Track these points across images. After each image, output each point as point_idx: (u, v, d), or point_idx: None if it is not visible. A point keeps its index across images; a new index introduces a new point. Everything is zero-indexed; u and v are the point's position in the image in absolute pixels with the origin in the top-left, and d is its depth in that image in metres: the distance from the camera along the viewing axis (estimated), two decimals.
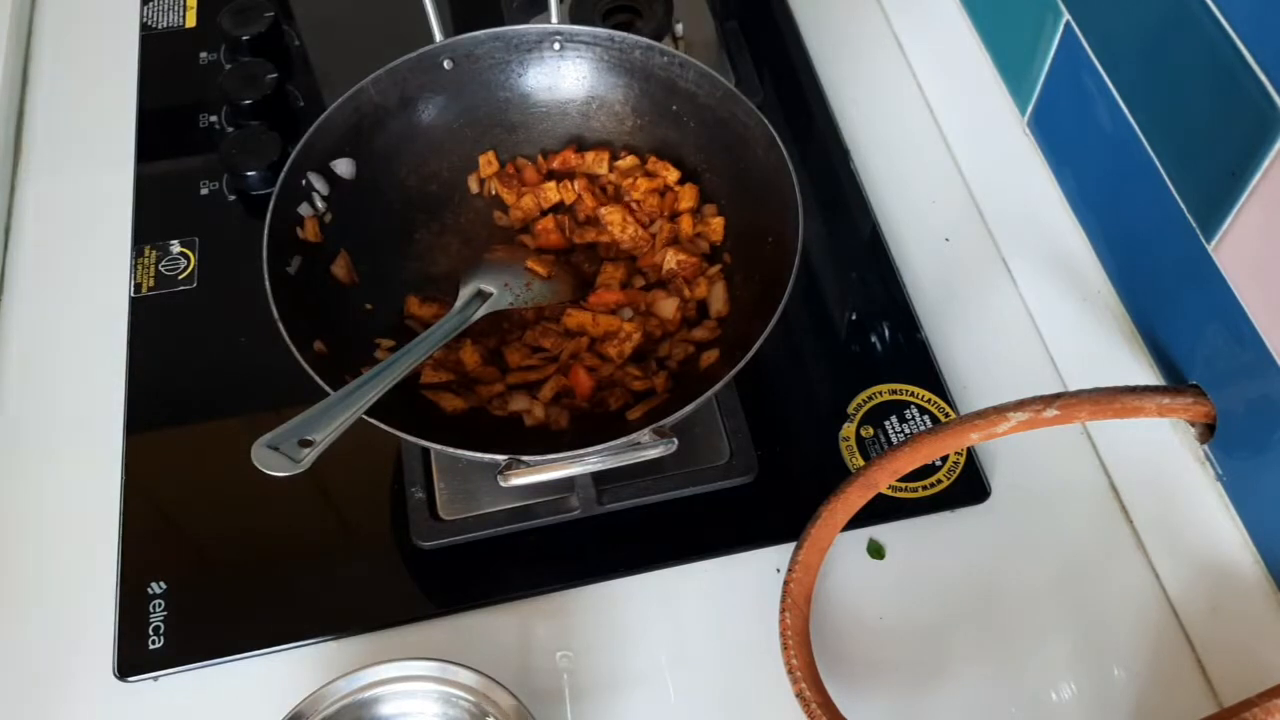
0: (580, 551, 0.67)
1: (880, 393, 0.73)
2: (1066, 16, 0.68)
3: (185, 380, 0.74)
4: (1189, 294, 0.61)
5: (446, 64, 0.71)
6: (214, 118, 0.87)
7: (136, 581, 0.65)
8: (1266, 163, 0.52)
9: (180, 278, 0.78)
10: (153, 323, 0.76)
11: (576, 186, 0.73)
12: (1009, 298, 0.78)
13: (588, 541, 0.68)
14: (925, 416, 0.72)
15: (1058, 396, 0.60)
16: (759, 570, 0.66)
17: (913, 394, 0.73)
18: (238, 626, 0.64)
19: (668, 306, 0.68)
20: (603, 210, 0.71)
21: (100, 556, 0.67)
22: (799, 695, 0.59)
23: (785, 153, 0.65)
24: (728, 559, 0.67)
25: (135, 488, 0.69)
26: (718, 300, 0.69)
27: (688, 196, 0.72)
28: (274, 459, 0.51)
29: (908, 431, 0.71)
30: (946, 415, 0.72)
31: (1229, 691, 0.62)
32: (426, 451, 0.69)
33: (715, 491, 0.69)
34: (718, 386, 0.58)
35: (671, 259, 0.69)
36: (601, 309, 0.68)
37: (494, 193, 0.74)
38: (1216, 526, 0.63)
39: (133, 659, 0.63)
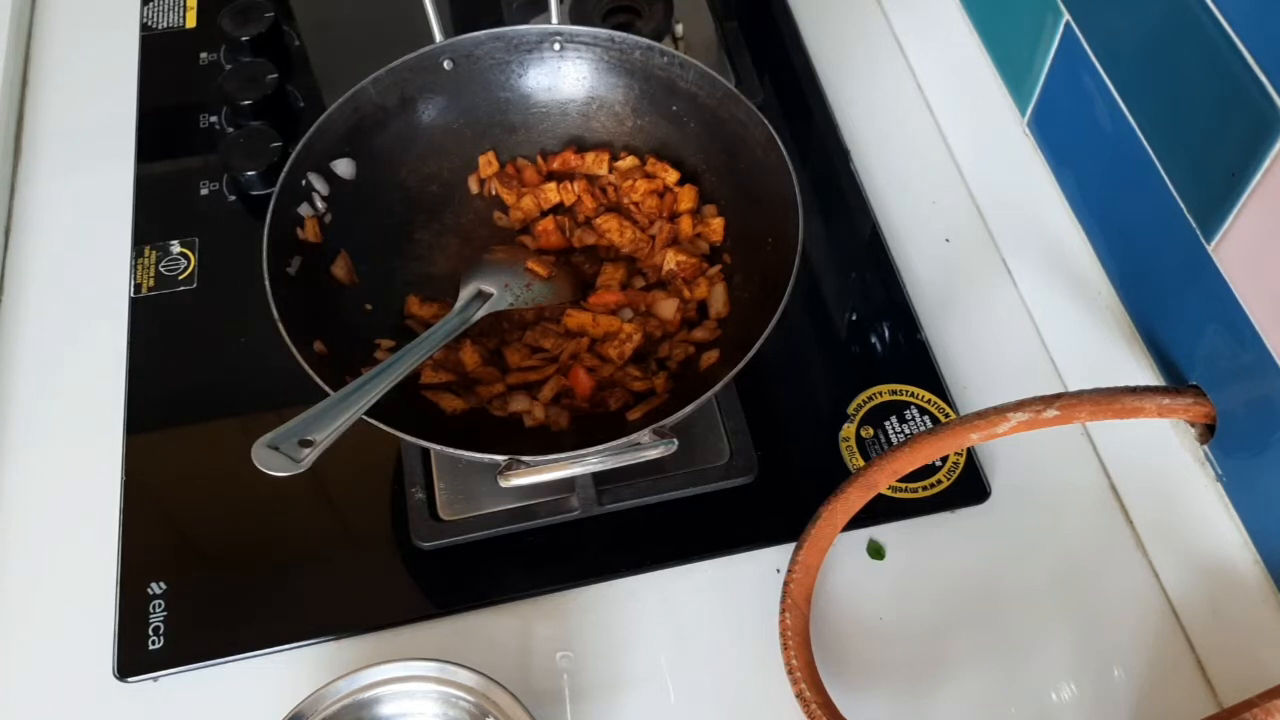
0: (580, 552, 0.67)
1: (880, 393, 0.73)
2: (1066, 17, 0.68)
3: (185, 380, 0.74)
4: (1189, 294, 0.61)
5: (446, 64, 0.72)
6: (214, 118, 0.87)
7: (136, 581, 0.65)
8: (1266, 163, 0.52)
9: (180, 278, 0.78)
10: (153, 323, 0.76)
11: (576, 188, 0.73)
12: (1009, 298, 0.78)
13: (588, 542, 0.68)
14: (925, 417, 0.72)
15: (1058, 397, 0.60)
16: (759, 570, 0.66)
17: (913, 394, 0.73)
18: (238, 626, 0.64)
19: (668, 307, 0.68)
20: (598, 220, 0.71)
21: (100, 556, 0.67)
22: (799, 695, 0.59)
23: (785, 153, 0.65)
24: (728, 559, 0.67)
25: (135, 488, 0.69)
26: (718, 301, 0.69)
27: (687, 197, 0.72)
28: (274, 459, 0.51)
29: (908, 432, 0.71)
30: (946, 415, 0.72)
31: (1229, 691, 0.62)
32: (426, 452, 0.69)
33: (715, 491, 0.69)
34: (718, 387, 0.58)
35: (671, 260, 0.69)
36: (601, 310, 0.68)
37: (494, 193, 0.74)
38: (1216, 527, 0.63)
39: (133, 659, 0.63)
